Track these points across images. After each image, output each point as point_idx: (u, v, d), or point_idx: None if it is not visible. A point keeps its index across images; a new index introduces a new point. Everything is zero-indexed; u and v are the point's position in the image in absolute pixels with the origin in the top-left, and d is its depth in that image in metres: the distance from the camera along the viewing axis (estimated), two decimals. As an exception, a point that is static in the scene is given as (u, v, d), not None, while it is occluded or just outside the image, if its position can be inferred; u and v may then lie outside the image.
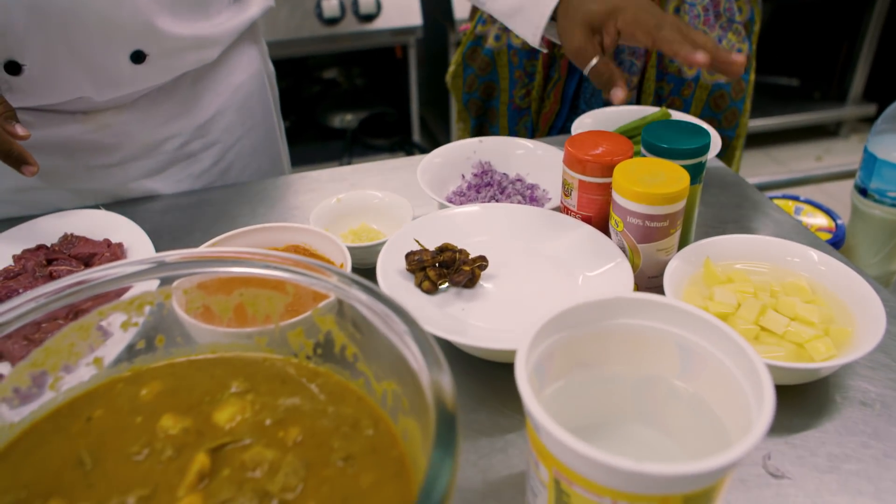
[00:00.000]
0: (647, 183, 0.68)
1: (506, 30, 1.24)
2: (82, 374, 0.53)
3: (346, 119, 2.54)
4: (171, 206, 0.96)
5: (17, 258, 0.80)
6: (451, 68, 1.36)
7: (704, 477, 0.42)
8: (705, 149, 0.74)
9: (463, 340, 0.60)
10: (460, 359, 0.67)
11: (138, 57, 0.87)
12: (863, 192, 1.02)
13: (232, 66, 1.03)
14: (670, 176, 0.69)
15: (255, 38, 1.10)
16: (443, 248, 0.67)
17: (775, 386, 0.64)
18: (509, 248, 0.73)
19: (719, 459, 0.41)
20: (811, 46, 3.16)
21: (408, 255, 0.67)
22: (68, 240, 0.82)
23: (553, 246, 0.73)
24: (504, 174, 0.89)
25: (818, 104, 3.08)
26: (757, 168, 2.90)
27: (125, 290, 0.54)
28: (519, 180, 0.88)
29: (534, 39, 0.88)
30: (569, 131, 0.93)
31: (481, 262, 0.68)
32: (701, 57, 0.74)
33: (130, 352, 0.54)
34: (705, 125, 0.81)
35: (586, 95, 1.24)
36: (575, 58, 0.84)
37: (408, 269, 0.67)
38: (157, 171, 0.98)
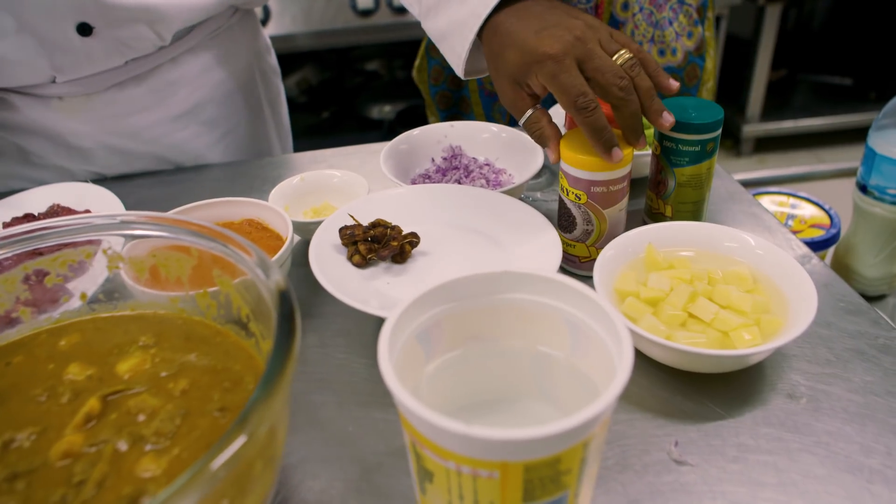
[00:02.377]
0: None
1: None
2: (10, 324, 0.58)
3: (384, 110, 2.58)
4: (157, 181, 1.01)
5: (5, 224, 0.86)
6: (417, 62, 1.36)
7: (536, 444, 0.43)
8: (719, 123, 0.76)
9: (380, 313, 0.62)
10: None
11: (84, 29, 0.88)
12: (863, 189, 0.99)
13: (213, 59, 1.04)
14: None
15: (247, 32, 1.11)
16: (375, 224, 0.69)
17: (699, 374, 0.65)
18: (446, 228, 0.74)
19: (544, 429, 0.42)
20: (867, 45, 3.03)
21: (341, 230, 0.69)
22: (54, 209, 0.87)
23: (490, 224, 0.74)
24: (473, 158, 0.90)
25: (873, 105, 2.95)
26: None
27: (63, 245, 0.58)
28: (487, 164, 0.89)
29: (458, 70, 0.77)
30: None
31: (412, 238, 0.70)
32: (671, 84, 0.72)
33: (57, 305, 0.59)
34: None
35: None
36: (509, 110, 0.74)
37: (342, 244, 0.70)
38: (140, 157, 1.03)
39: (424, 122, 1.40)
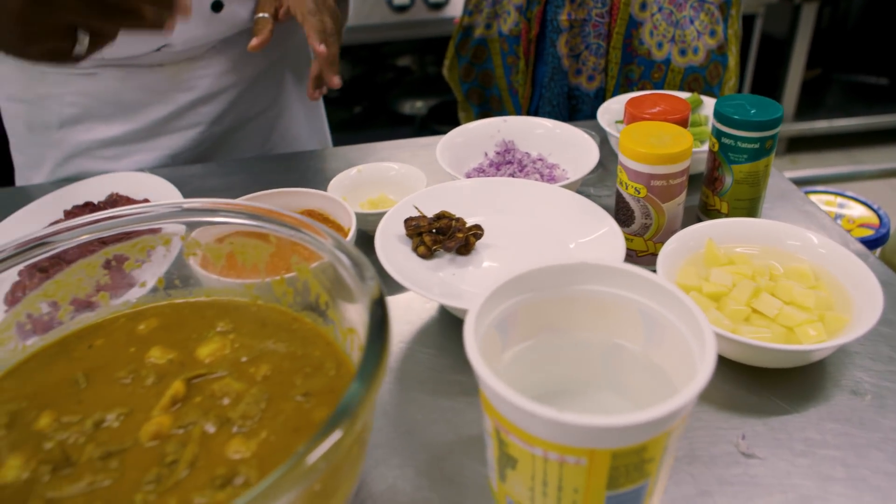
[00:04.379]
0: (661, 144, 0.70)
1: (495, 17, 1.26)
2: (92, 308, 0.59)
3: (416, 106, 2.59)
4: (213, 172, 1.02)
5: (67, 213, 0.87)
6: (446, 61, 1.38)
7: (627, 432, 0.44)
8: (778, 121, 0.76)
9: (449, 302, 0.63)
10: (451, 323, 0.70)
11: (217, 5, 0.98)
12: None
13: (286, 27, 1.10)
14: (668, 132, 0.73)
15: None
16: (440, 216, 0.70)
17: (764, 369, 0.66)
18: (508, 219, 0.75)
19: (639, 416, 0.43)
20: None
21: (406, 221, 0.70)
22: (113, 198, 0.88)
23: (551, 218, 0.75)
24: (526, 153, 0.91)
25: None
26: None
27: (138, 232, 0.59)
28: (540, 160, 0.90)
29: None
30: (539, 115, 0.95)
31: (476, 230, 0.70)
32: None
33: (134, 290, 0.60)
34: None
35: (545, 80, 1.24)
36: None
37: (407, 235, 0.70)
38: (216, 120, 1.08)
39: (457, 118, 1.42)
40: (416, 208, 0.71)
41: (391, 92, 2.68)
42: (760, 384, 0.65)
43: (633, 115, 0.77)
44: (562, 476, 0.47)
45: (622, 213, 0.75)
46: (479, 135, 0.91)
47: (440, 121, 2.55)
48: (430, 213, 0.72)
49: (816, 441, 0.60)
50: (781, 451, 0.59)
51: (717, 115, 0.77)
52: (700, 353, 0.49)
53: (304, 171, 1.02)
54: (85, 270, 0.58)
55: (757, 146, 0.77)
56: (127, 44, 0.95)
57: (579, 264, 0.55)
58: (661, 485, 0.51)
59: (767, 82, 2.68)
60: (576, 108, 1.26)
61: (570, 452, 0.45)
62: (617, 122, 0.96)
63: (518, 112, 1.32)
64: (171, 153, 1.06)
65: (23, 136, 1.05)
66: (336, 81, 0.98)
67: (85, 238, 0.57)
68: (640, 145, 0.71)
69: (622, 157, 0.73)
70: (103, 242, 0.58)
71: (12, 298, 0.71)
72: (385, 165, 0.85)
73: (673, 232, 0.75)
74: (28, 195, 0.99)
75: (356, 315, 0.50)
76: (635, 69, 1.20)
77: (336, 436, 0.38)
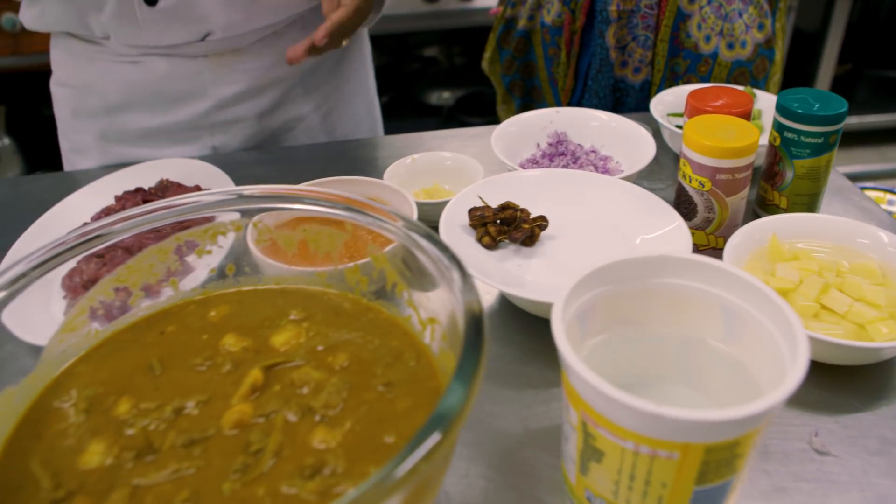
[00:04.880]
0: (727, 138, 0.70)
1: (538, 8, 1.25)
2: (160, 294, 0.58)
3: (443, 96, 2.58)
4: (263, 160, 1.02)
5: (117, 198, 0.87)
6: (487, 54, 1.37)
7: (725, 427, 0.43)
8: (843, 115, 0.76)
9: (518, 293, 0.62)
10: (516, 315, 0.69)
11: None
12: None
13: None
14: (734, 126, 0.72)
15: None
16: (504, 206, 0.69)
17: (831, 366, 0.65)
18: (571, 212, 0.74)
19: (739, 410, 0.42)
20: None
21: (471, 211, 0.69)
22: (163, 184, 0.88)
23: (613, 210, 0.74)
24: (579, 145, 0.90)
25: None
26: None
27: (208, 219, 0.58)
28: (593, 151, 0.89)
29: None
30: (584, 106, 0.95)
31: (541, 221, 0.69)
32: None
33: (204, 277, 0.59)
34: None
35: (593, 73, 1.23)
36: None
37: (470, 225, 0.69)
38: (265, 113, 1.06)
39: (486, 109, 1.41)
40: (481, 198, 0.70)
41: (418, 82, 2.67)
42: (830, 381, 0.64)
43: (695, 108, 0.76)
44: (651, 470, 0.46)
45: (684, 207, 0.74)
46: (532, 125, 0.91)
47: (468, 112, 2.54)
48: (489, 204, 0.71)
49: (891, 440, 0.59)
50: (856, 448, 0.59)
51: (781, 108, 0.76)
52: (791, 349, 0.48)
53: (353, 159, 1.01)
54: (157, 256, 0.57)
55: (820, 141, 0.75)
56: (171, 31, 0.95)
57: (660, 257, 0.54)
58: (742, 481, 0.50)
59: (798, 77, 2.65)
60: (620, 100, 1.25)
61: (663, 446, 0.44)
62: (669, 114, 0.95)
63: (558, 104, 1.31)
64: (215, 146, 1.05)
65: (69, 121, 1.05)
66: (320, 38, 0.89)
67: (153, 224, 0.56)
68: (706, 138, 0.70)
69: (687, 150, 0.72)
70: (181, 227, 0.57)
71: (69, 283, 0.71)
72: (440, 155, 0.84)
73: (734, 227, 0.74)
74: (75, 180, 0.99)
75: (438, 304, 0.50)
76: (681, 62, 1.19)
77: (435, 438, 0.37)
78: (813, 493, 0.55)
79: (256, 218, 0.58)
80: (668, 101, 0.95)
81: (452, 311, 0.47)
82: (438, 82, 2.66)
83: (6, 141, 2.17)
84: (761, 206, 0.83)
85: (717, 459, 0.45)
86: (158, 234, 0.59)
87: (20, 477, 0.46)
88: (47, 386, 0.52)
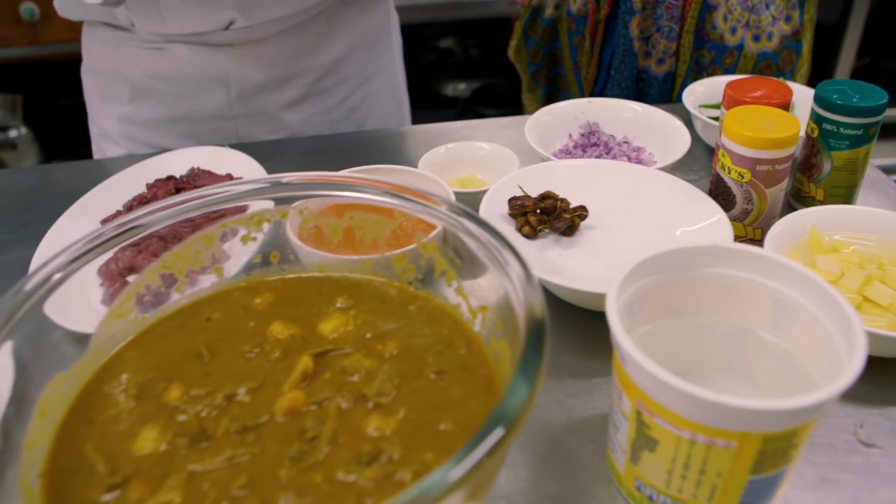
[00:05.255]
0: (768, 128, 0.69)
1: None
2: (204, 281, 0.58)
3: (459, 88, 2.57)
4: (293, 149, 1.01)
5: (149, 186, 0.86)
6: (513, 42, 1.36)
7: (785, 416, 0.43)
8: (883, 107, 0.75)
9: (560, 282, 0.62)
10: (555, 305, 0.69)
11: None
12: None
13: (362, 7, 1.08)
14: (774, 117, 0.71)
15: None
16: (545, 196, 0.69)
17: (875, 357, 0.64)
18: (609, 202, 0.74)
19: (801, 400, 0.42)
20: None
21: (510, 200, 0.69)
22: (195, 173, 0.88)
23: (653, 201, 0.73)
24: (611, 136, 0.89)
25: None
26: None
27: (242, 208, 0.58)
28: (626, 142, 0.88)
29: None
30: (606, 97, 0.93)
31: (581, 211, 0.69)
32: None
33: (247, 264, 0.59)
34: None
35: (616, 63, 1.22)
36: None
37: (510, 214, 0.69)
38: (291, 105, 1.05)
39: (502, 101, 1.40)
40: (521, 188, 0.70)
41: (433, 73, 2.66)
42: (874, 374, 0.63)
43: (733, 99, 0.76)
44: (707, 459, 0.46)
45: (722, 198, 0.74)
46: (564, 115, 0.90)
47: (484, 103, 2.53)
48: (520, 194, 0.71)
49: (936, 432, 0.59)
50: (901, 441, 0.58)
51: (819, 100, 0.76)
52: (847, 340, 0.47)
53: (381, 150, 1.01)
54: (202, 242, 0.57)
55: (860, 133, 0.75)
56: (193, 19, 0.94)
57: (711, 247, 0.54)
58: (794, 472, 0.50)
59: (817, 70, 2.61)
60: (643, 91, 1.24)
61: (721, 435, 0.44)
62: (701, 105, 0.94)
63: (582, 93, 1.30)
64: (240, 138, 1.05)
65: (97, 107, 1.05)
66: None
67: (192, 213, 0.56)
68: (746, 129, 0.69)
69: (726, 141, 0.71)
70: (218, 216, 0.57)
71: (106, 271, 0.71)
72: (475, 145, 0.84)
73: (772, 218, 0.74)
74: (103, 168, 0.99)
75: (490, 292, 0.50)
76: (706, 54, 1.19)
77: (499, 433, 0.36)
78: (860, 484, 0.55)
79: (301, 205, 0.58)
80: (699, 92, 0.94)
81: (506, 298, 0.47)
82: (454, 73, 2.65)
83: (23, 130, 2.18)
84: (796, 198, 0.83)
85: (773, 449, 0.45)
86: (193, 223, 0.59)
87: (75, 461, 0.46)
88: (96, 372, 0.52)
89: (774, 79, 0.79)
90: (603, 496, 0.55)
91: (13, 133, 2.17)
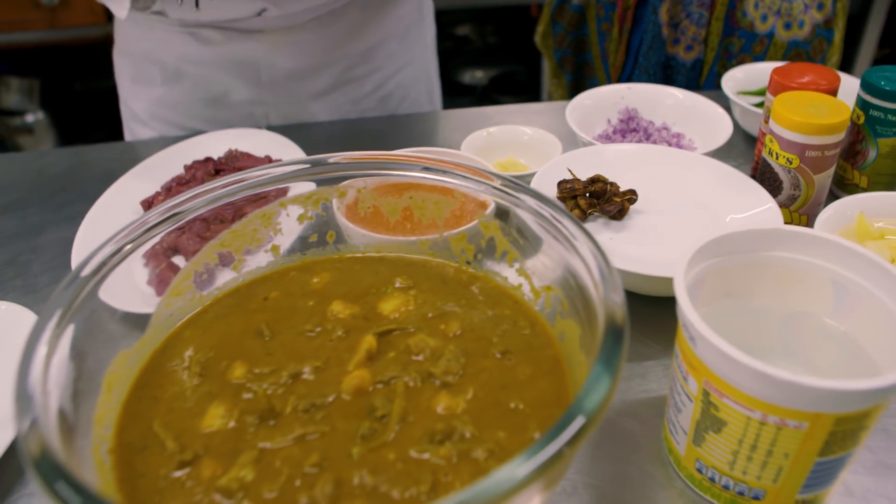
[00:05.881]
0: (818, 114, 0.69)
1: None
2: (260, 260, 0.58)
3: (476, 76, 2.57)
4: (329, 132, 1.01)
5: (187, 168, 0.86)
6: (540, 27, 1.36)
7: (860, 397, 0.43)
8: None
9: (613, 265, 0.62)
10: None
11: None
12: None
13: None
14: (823, 103, 0.71)
15: None
16: (594, 179, 0.69)
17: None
18: (656, 187, 0.73)
19: (878, 381, 0.42)
20: None
21: (560, 183, 0.69)
22: (233, 154, 0.88)
23: (700, 187, 0.73)
24: (650, 121, 0.89)
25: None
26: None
27: (285, 190, 0.58)
28: (665, 128, 0.88)
29: None
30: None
31: (631, 195, 0.69)
32: None
33: (303, 244, 0.59)
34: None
35: (644, 49, 1.21)
36: None
37: (559, 197, 0.69)
38: (321, 93, 1.04)
39: (520, 88, 1.40)
40: (570, 171, 0.70)
41: (451, 61, 2.65)
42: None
43: (780, 85, 0.75)
44: (776, 440, 0.46)
45: (768, 184, 0.74)
46: (604, 100, 0.90)
47: (502, 91, 2.52)
48: (575, 175, 0.71)
49: None
50: (955, 426, 0.58)
51: (866, 86, 0.75)
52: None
53: (416, 133, 1.01)
54: (260, 221, 0.57)
55: (907, 119, 0.75)
56: (225, 6, 0.93)
57: (774, 230, 0.54)
58: (859, 455, 0.50)
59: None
60: (670, 78, 1.24)
61: (793, 416, 0.44)
62: (740, 92, 0.94)
63: (608, 80, 1.30)
64: (270, 124, 1.05)
65: (129, 89, 1.05)
66: None
67: (241, 195, 0.55)
68: (796, 114, 0.69)
69: (775, 126, 0.71)
70: (258, 198, 0.56)
71: (150, 251, 0.71)
72: (517, 129, 0.84)
73: (818, 205, 0.74)
74: (137, 150, 0.99)
75: (557, 273, 0.49)
76: (736, 41, 1.18)
77: (580, 422, 0.35)
78: (920, 470, 0.55)
79: (359, 184, 0.58)
80: (738, 79, 0.94)
81: (576, 279, 0.47)
82: (471, 61, 2.64)
83: (40, 115, 2.17)
84: (839, 185, 0.82)
85: (843, 431, 0.45)
86: (234, 206, 0.58)
87: (143, 438, 0.46)
88: (156, 349, 0.52)
89: (821, 65, 0.79)
90: (660, 477, 0.55)
91: (30, 118, 2.16)
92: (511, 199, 0.51)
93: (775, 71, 0.76)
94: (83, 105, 2.28)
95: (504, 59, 2.64)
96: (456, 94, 2.57)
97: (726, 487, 0.50)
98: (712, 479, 0.51)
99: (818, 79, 0.75)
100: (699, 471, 0.51)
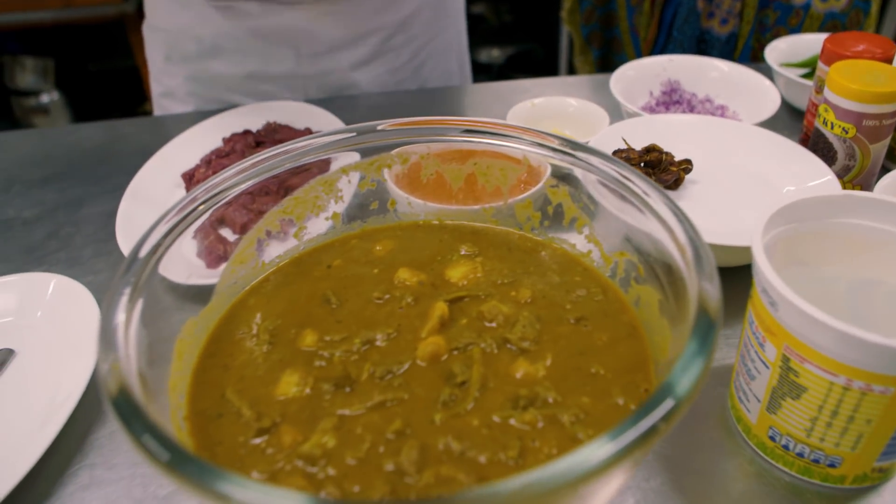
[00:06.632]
0: (876, 82, 0.68)
1: None
2: (321, 227, 0.57)
3: (492, 54, 2.55)
4: (367, 104, 1.00)
5: (226, 140, 0.85)
6: (567, 3, 1.34)
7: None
8: None
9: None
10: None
11: None
12: None
13: None
14: (880, 71, 0.70)
15: None
16: (649, 149, 0.68)
17: None
18: (709, 157, 0.73)
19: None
20: None
21: (615, 153, 0.68)
22: (272, 127, 0.87)
23: (754, 158, 0.72)
24: (693, 93, 0.88)
25: None
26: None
27: (328, 161, 0.56)
28: (708, 100, 0.87)
29: None
30: None
31: (686, 164, 0.68)
32: None
33: (364, 211, 0.58)
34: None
35: (678, 23, 1.20)
36: None
37: (612, 167, 0.68)
38: (360, 63, 1.03)
39: (537, 67, 1.38)
40: (624, 140, 0.69)
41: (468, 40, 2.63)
42: None
43: (834, 54, 0.74)
44: (859, 406, 0.45)
45: (821, 154, 0.73)
46: (646, 72, 0.89)
47: (519, 69, 2.50)
48: (629, 144, 0.70)
49: None
50: None
51: None
52: None
53: (455, 106, 1.00)
54: (322, 188, 0.56)
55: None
56: None
57: (846, 195, 0.53)
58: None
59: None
60: (704, 52, 1.23)
61: (880, 381, 0.44)
62: (783, 64, 0.93)
63: (638, 55, 1.29)
64: (308, 97, 1.04)
65: (161, 65, 1.03)
66: None
67: (291, 164, 0.54)
68: (853, 82, 0.68)
69: (831, 95, 0.70)
70: (301, 170, 0.55)
71: (201, 227, 0.70)
72: (563, 100, 0.83)
73: (872, 175, 0.73)
74: (172, 124, 0.98)
75: (631, 238, 0.49)
76: (771, 14, 1.17)
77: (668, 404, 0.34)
78: None
79: (423, 149, 0.57)
80: (782, 50, 0.93)
81: (654, 244, 0.46)
82: (488, 40, 2.62)
83: (55, 95, 2.16)
84: (889, 158, 0.81)
85: (929, 396, 0.44)
86: (278, 178, 0.57)
87: (216, 406, 0.45)
88: (222, 317, 0.52)
89: (874, 34, 0.77)
90: (727, 445, 0.54)
91: (45, 98, 2.15)
92: (582, 163, 0.50)
93: (828, 39, 0.75)
94: (97, 85, 2.26)
95: (520, 37, 2.62)
96: (473, 72, 2.55)
97: (800, 455, 0.50)
98: (786, 447, 0.50)
99: (872, 47, 0.74)
100: (772, 438, 0.51)
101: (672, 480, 0.52)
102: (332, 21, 0.99)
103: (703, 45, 1.22)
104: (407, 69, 1.08)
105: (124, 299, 0.42)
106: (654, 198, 0.45)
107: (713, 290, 0.38)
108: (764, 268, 0.46)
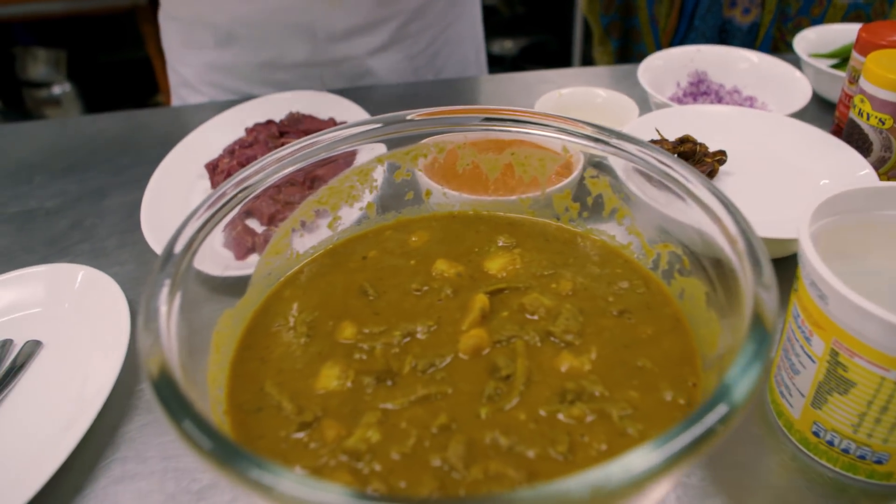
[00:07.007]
0: None
1: None
2: (355, 217, 0.57)
3: (505, 46, 2.53)
4: (386, 94, 0.99)
5: (249, 130, 0.85)
6: None
7: None
8: None
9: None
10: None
11: None
12: None
13: None
14: None
15: None
16: (683, 140, 0.67)
17: None
18: (743, 148, 0.72)
19: None
20: None
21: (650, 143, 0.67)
22: (295, 117, 0.86)
23: (788, 150, 0.71)
24: (720, 84, 0.87)
25: None
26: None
27: (354, 152, 0.55)
28: (736, 91, 0.86)
29: None
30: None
31: (720, 156, 0.67)
32: None
33: (399, 201, 0.57)
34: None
35: (701, 12, 1.19)
36: None
37: (646, 158, 0.67)
38: (377, 50, 1.03)
39: (550, 59, 1.37)
40: (658, 131, 0.68)
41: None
42: None
43: (870, 43, 0.73)
44: (910, 403, 0.44)
45: (856, 145, 0.72)
46: (673, 62, 0.88)
47: (532, 61, 2.49)
48: (663, 135, 0.69)
49: None
50: None
51: None
52: None
53: (477, 95, 0.99)
54: (357, 177, 0.55)
55: None
56: None
57: (891, 187, 0.52)
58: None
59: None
60: (725, 41, 1.22)
61: (934, 377, 0.43)
62: (812, 54, 0.91)
63: (658, 46, 1.27)
64: (324, 85, 1.03)
65: (178, 54, 1.03)
66: None
67: (322, 155, 0.53)
68: (891, 72, 0.67)
69: (867, 85, 0.69)
70: (328, 161, 0.54)
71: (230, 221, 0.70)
72: (591, 91, 0.82)
73: (907, 167, 0.72)
74: (190, 114, 0.97)
75: (674, 229, 0.48)
76: (793, 3, 1.15)
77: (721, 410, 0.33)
78: None
79: (460, 139, 0.56)
80: (811, 40, 0.91)
81: (701, 235, 0.45)
82: (500, 32, 2.60)
83: (67, 87, 2.15)
84: (920, 148, 0.80)
85: (982, 391, 0.44)
86: (304, 170, 0.56)
87: (255, 399, 0.45)
88: (257, 310, 0.51)
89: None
90: (767, 440, 0.54)
91: (57, 89, 2.14)
92: (622, 152, 0.49)
93: (864, 29, 0.74)
94: (108, 77, 2.25)
95: (533, 28, 2.60)
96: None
97: (846, 451, 0.49)
98: (831, 443, 0.49)
99: (907, 36, 0.73)
100: (816, 434, 0.50)
101: (712, 476, 0.52)
102: (349, 6, 0.98)
103: (724, 35, 1.20)
104: (424, 56, 1.07)
105: (164, 291, 0.41)
106: (701, 189, 0.44)
107: (771, 301, 0.36)
108: (814, 261, 0.45)
